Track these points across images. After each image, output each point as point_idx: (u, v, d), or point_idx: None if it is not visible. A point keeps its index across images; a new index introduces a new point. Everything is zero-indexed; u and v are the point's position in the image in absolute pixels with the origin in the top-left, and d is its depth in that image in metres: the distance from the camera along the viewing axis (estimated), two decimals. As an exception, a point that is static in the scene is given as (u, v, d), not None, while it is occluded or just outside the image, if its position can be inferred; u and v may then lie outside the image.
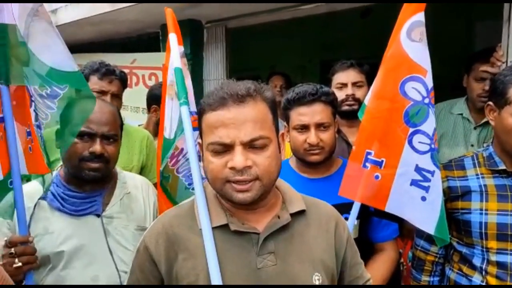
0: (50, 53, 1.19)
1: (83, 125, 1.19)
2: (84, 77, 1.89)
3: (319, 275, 0.88)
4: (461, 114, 2.03)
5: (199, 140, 0.91)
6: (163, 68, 1.44)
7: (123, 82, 1.94)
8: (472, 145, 1.99)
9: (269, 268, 0.86)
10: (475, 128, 2.00)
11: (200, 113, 0.88)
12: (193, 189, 1.43)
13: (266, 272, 0.85)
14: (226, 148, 0.82)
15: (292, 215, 0.91)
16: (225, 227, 0.88)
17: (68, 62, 1.21)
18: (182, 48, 1.43)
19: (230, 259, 0.86)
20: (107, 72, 1.86)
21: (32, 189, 1.24)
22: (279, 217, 0.90)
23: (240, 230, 0.87)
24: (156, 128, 2.25)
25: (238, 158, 0.80)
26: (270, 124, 0.86)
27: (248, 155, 0.81)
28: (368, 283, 1.01)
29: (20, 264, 1.08)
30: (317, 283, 0.87)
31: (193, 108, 1.45)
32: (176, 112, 1.33)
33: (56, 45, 1.20)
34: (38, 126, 1.24)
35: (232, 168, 0.81)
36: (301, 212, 0.93)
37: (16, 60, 1.16)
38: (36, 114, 1.24)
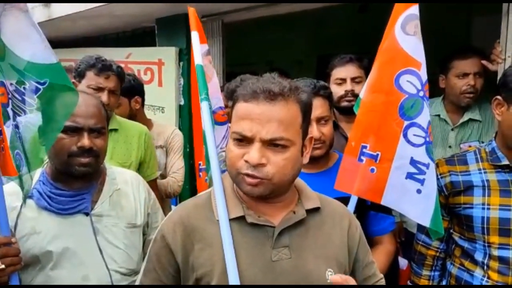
0: (26, 45, 1.12)
1: (68, 119, 1.15)
2: (80, 72, 1.88)
3: (332, 271, 0.90)
4: (438, 115, 2.02)
5: (230, 124, 0.93)
6: (192, 66, 1.46)
7: (121, 77, 1.91)
8: (450, 147, 1.99)
9: (284, 261, 0.87)
10: (452, 129, 1.99)
11: (234, 100, 0.90)
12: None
13: (281, 265, 0.87)
14: (246, 140, 0.84)
15: (307, 211, 0.93)
16: (241, 219, 0.90)
17: (46, 54, 1.14)
18: (206, 47, 1.46)
19: (246, 250, 0.88)
20: (103, 67, 1.82)
21: (18, 188, 1.20)
22: (294, 213, 0.92)
23: (256, 223, 0.89)
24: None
25: (254, 153, 0.82)
26: (296, 127, 0.86)
27: (265, 153, 0.82)
28: (380, 282, 1.03)
29: (3, 266, 1.06)
30: (329, 279, 0.88)
31: (220, 103, 1.48)
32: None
33: (33, 36, 1.13)
34: (16, 126, 1.17)
35: (246, 162, 0.83)
36: (316, 209, 0.95)
37: None
38: (14, 113, 1.16)
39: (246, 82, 0.89)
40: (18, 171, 1.16)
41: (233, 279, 0.84)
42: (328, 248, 0.92)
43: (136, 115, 2.25)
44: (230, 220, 0.89)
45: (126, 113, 2.20)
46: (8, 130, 1.16)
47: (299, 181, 0.97)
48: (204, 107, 1.20)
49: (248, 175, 0.83)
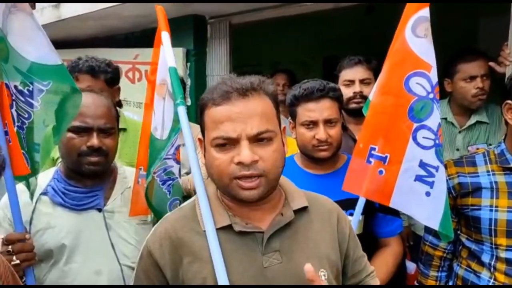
0: (31, 46, 1.14)
1: (78, 119, 1.18)
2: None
3: (325, 271, 0.88)
4: (445, 118, 2.00)
5: (200, 137, 0.90)
6: (151, 66, 1.39)
7: (108, 79, 1.85)
8: (458, 149, 1.97)
9: (275, 266, 0.85)
10: (460, 132, 1.98)
11: (201, 109, 0.87)
12: (167, 186, 1.39)
13: (273, 270, 0.85)
14: (231, 143, 0.81)
15: (295, 211, 0.91)
16: (228, 227, 0.87)
17: (51, 56, 1.15)
18: None
19: (236, 259, 0.85)
20: (89, 69, 1.79)
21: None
22: (282, 215, 0.89)
23: (244, 231, 0.86)
24: None
25: (245, 152, 0.79)
26: (274, 118, 0.85)
27: (254, 150, 0.80)
28: (372, 275, 1.01)
29: (18, 261, 1.09)
30: (323, 279, 0.87)
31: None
32: (170, 112, 1.30)
33: (38, 38, 1.14)
34: (20, 127, 1.18)
35: (239, 163, 0.80)
36: (304, 208, 0.93)
37: None
38: (18, 115, 1.18)
39: (209, 89, 0.86)
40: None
41: None
42: (319, 247, 0.90)
43: None
44: (217, 229, 0.86)
45: None
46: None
47: (284, 180, 0.96)
48: (181, 111, 1.13)
49: (244, 176, 0.80)
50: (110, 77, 1.88)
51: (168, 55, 1.25)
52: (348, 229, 0.98)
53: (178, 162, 1.39)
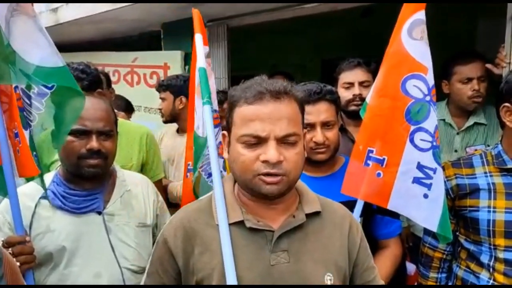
0: (34, 49, 1.15)
1: (77, 123, 1.19)
2: None
3: (331, 275, 0.90)
4: (443, 119, 2.00)
5: (224, 132, 0.94)
6: (191, 68, 1.48)
7: (85, 86, 1.80)
8: (456, 151, 1.98)
9: (282, 265, 0.88)
10: (458, 134, 1.99)
11: (232, 105, 0.90)
12: (211, 181, 1.48)
13: (279, 269, 0.87)
14: (259, 142, 0.84)
15: (307, 215, 0.93)
16: (240, 223, 0.90)
17: (53, 58, 1.17)
18: (207, 49, 1.46)
19: (245, 254, 0.88)
20: None
21: (32, 189, 1.25)
22: (294, 217, 0.92)
23: (255, 228, 0.89)
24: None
25: (273, 152, 0.83)
26: (300, 123, 0.90)
27: (280, 150, 0.84)
28: None
29: (18, 264, 1.08)
30: (328, 283, 0.89)
31: (214, 106, 1.48)
32: None
33: (40, 40, 1.16)
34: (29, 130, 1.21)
35: (265, 162, 0.84)
36: (317, 213, 0.95)
37: (1, 59, 1.12)
38: (26, 117, 1.20)
39: (242, 87, 0.90)
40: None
41: (232, 284, 0.85)
42: (327, 252, 0.92)
43: (179, 115, 2.26)
44: (230, 224, 0.90)
45: (169, 110, 2.26)
46: (26, 133, 1.20)
47: (300, 183, 0.98)
48: (206, 110, 1.20)
49: (269, 174, 0.84)
50: (86, 84, 1.82)
51: (199, 56, 1.33)
52: (360, 238, 0.99)
53: (221, 157, 1.44)
